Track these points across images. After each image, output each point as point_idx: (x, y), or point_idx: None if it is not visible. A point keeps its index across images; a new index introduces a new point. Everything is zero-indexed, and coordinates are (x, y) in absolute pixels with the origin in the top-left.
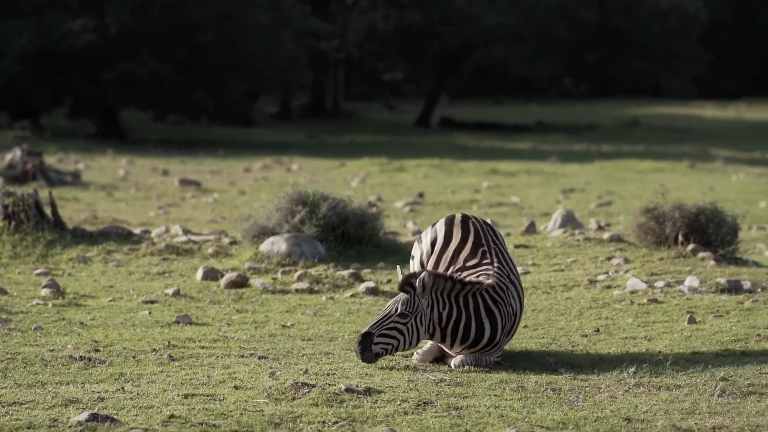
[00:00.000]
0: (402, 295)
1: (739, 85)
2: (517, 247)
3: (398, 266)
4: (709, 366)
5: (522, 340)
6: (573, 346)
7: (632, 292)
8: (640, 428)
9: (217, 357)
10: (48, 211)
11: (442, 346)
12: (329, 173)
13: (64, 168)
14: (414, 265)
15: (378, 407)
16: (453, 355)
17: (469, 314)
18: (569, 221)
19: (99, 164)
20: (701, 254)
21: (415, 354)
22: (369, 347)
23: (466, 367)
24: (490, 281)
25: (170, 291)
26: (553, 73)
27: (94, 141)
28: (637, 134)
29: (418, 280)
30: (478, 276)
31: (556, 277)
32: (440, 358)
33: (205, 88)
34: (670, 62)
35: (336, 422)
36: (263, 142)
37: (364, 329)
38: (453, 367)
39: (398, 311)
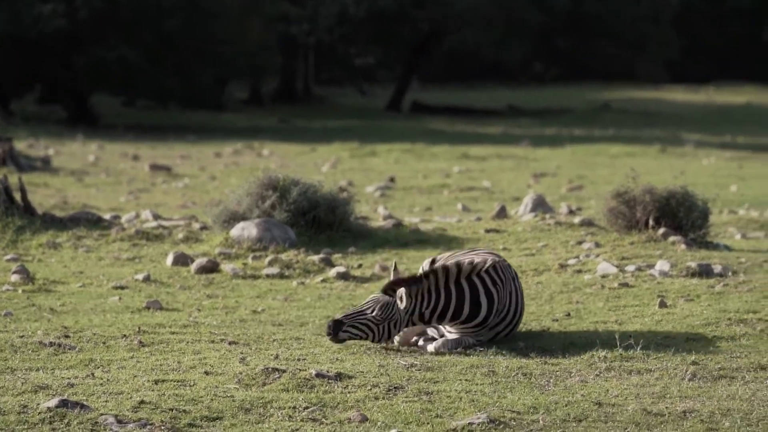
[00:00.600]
0: (383, 297)
1: (710, 69)
2: (487, 231)
3: (394, 261)
4: (680, 350)
5: None
6: (544, 331)
7: (603, 277)
8: (611, 412)
9: (188, 342)
10: (18, 196)
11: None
12: (300, 158)
13: (35, 154)
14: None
15: (349, 392)
16: (434, 336)
17: (465, 297)
18: (540, 205)
19: (69, 150)
20: (672, 238)
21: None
22: (336, 333)
23: (443, 350)
24: (489, 262)
25: (140, 276)
26: (524, 57)
27: (64, 126)
28: (608, 118)
29: (398, 294)
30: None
31: (527, 261)
32: (421, 333)
33: (174, 73)
34: (642, 47)
35: (307, 407)
36: (234, 127)
37: (338, 315)
38: (430, 351)
39: (374, 314)
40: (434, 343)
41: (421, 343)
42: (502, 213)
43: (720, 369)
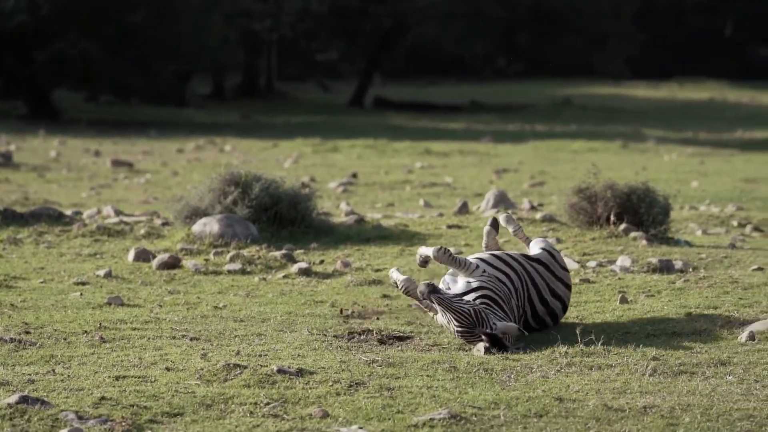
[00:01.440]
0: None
1: (671, 64)
2: (449, 227)
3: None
4: (641, 345)
5: None
6: None
7: None
8: (572, 408)
9: (149, 338)
10: None
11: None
12: (262, 154)
13: None
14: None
15: (310, 388)
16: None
17: None
18: (502, 201)
19: (30, 145)
20: (633, 234)
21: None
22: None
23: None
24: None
25: (102, 272)
26: (486, 53)
27: (25, 122)
28: (570, 114)
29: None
30: None
31: None
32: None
33: (136, 68)
34: (603, 42)
35: (268, 403)
36: (196, 122)
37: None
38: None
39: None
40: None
41: None
42: (464, 209)
43: (680, 364)
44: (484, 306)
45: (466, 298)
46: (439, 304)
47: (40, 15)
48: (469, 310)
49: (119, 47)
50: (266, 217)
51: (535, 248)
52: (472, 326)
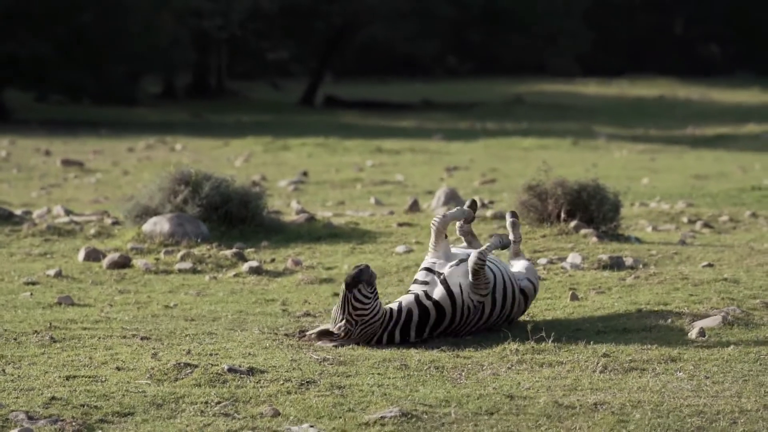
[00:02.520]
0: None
1: (622, 62)
2: (400, 225)
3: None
4: (591, 342)
5: None
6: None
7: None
8: (523, 405)
9: (99, 338)
10: None
11: None
12: (213, 153)
13: None
14: None
15: (261, 387)
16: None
17: None
18: (452, 199)
19: None
20: (583, 231)
21: None
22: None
23: None
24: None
25: (52, 272)
26: (437, 51)
27: None
28: (521, 112)
29: None
30: None
31: None
32: None
33: (86, 67)
34: (554, 40)
35: (219, 402)
36: (147, 121)
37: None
38: None
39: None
40: None
41: None
42: (414, 207)
43: (631, 361)
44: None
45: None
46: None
47: None
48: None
49: (70, 47)
50: (217, 216)
51: (522, 273)
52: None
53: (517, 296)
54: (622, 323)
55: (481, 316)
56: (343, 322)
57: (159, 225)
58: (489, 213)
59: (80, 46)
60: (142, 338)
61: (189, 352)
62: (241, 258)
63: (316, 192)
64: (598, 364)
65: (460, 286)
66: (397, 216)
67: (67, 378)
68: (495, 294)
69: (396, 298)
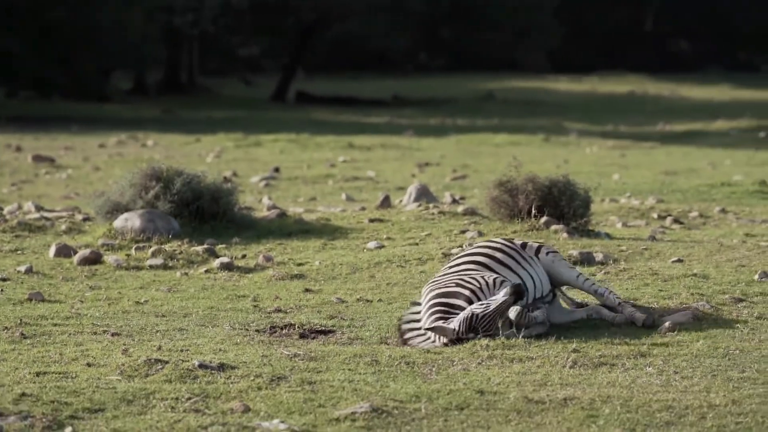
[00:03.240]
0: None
1: (593, 58)
2: (371, 221)
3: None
4: (561, 338)
5: (376, 313)
6: None
7: None
8: (493, 400)
9: (70, 334)
10: None
11: None
12: (184, 149)
13: None
14: None
15: (231, 383)
16: None
17: None
18: (424, 195)
19: None
20: (554, 227)
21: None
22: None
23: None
24: None
25: (23, 268)
26: (408, 47)
27: None
28: (492, 108)
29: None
30: None
31: (410, 250)
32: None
33: (57, 63)
34: (525, 36)
35: (189, 398)
36: (118, 118)
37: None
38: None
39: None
40: None
41: None
42: (386, 202)
43: (601, 356)
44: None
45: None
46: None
47: None
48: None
49: (40, 43)
50: (188, 211)
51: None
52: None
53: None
54: (592, 319)
55: None
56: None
57: (130, 221)
58: (460, 209)
59: (51, 41)
60: (112, 334)
61: (160, 348)
62: (213, 254)
63: (288, 188)
64: (567, 359)
65: None
66: (368, 212)
67: (38, 374)
68: None
69: (367, 294)
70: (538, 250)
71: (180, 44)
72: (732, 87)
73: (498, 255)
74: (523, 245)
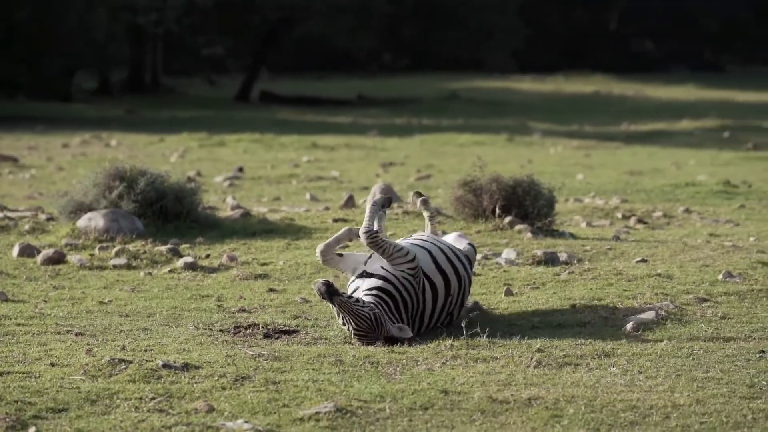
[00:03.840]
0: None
1: (557, 58)
2: (335, 221)
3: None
4: (526, 338)
5: None
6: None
7: None
8: (457, 400)
9: (34, 334)
10: None
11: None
12: (148, 148)
13: None
14: None
15: (196, 383)
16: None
17: None
18: (388, 194)
19: None
20: (518, 227)
21: None
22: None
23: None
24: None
25: None
26: (373, 47)
27: None
28: (456, 108)
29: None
30: None
31: None
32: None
33: (21, 63)
34: (489, 36)
35: (153, 398)
36: (82, 117)
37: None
38: None
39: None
40: None
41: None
42: (350, 202)
43: (565, 356)
44: (380, 308)
45: (366, 296)
46: (339, 306)
47: None
48: (369, 314)
49: (4, 42)
50: (152, 211)
51: (462, 242)
52: (370, 330)
53: (464, 260)
54: (557, 318)
55: (438, 293)
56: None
57: (94, 221)
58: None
59: (15, 41)
60: (76, 334)
61: (123, 348)
62: (176, 254)
63: (252, 188)
64: (532, 359)
65: (383, 268)
66: (332, 212)
67: (1, 374)
68: (441, 265)
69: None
70: None
71: (144, 44)
72: (697, 87)
73: None
74: None
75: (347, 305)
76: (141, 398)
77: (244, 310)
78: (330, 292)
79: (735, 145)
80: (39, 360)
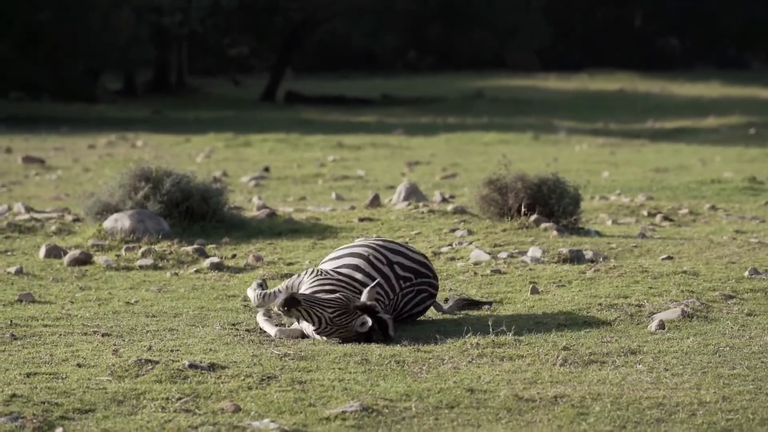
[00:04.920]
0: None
1: (582, 56)
2: (361, 220)
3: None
4: (551, 335)
5: None
6: (417, 319)
7: (476, 264)
8: (483, 398)
9: (60, 335)
10: None
11: None
12: (174, 149)
13: None
14: None
15: (222, 383)
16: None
17: None
18: (413, 194)
19: None
20: (544, 225)
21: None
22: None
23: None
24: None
25: (13, 269)
26: (397, 46)
27: None
28: (481, 106)
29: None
30: None
31: None
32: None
33: (46, 65)
34: (513, 34)
35: (180, 398)
36: (107, 118)
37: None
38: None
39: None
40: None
41: None
42: (375, 201)
43: (591, 354)
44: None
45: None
46: (308, 308)
47: None
48: (339, 296)
49: (29, 45)
50: (178, 212)
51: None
52: (346, 306)
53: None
54: (582, 316)
55: None
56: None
57: (120, 221)
58: (449, 207)
59: (39, 43)
60: (103, 335)
61: (150, 348)
62: (203, 254)
63: (278, 187)
64: (558, 357)
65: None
66: (357, 211)
67: (28, 375)
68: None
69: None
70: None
71: (169, 44)
72: (722, 84)
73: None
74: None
75: (313, 299)
76: (167, 398)
77: (270, 310)
78: (292, 302)
79: (760, 141)
80: (66, 361)
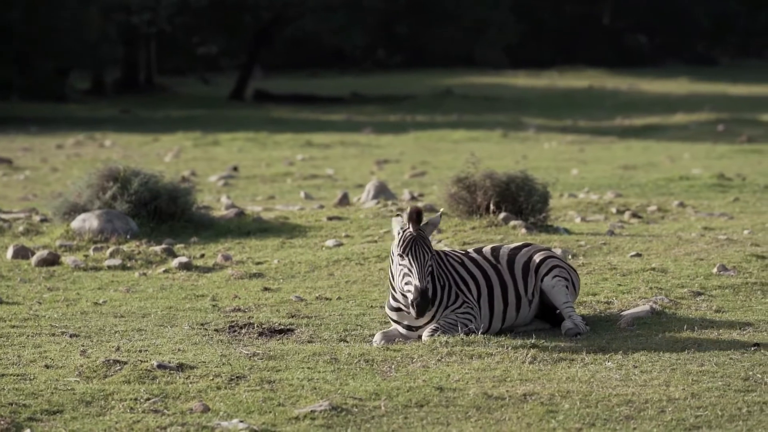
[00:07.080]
0: None
1: (551, 53)
2: (330, 219)
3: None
4: (520, 334)
5: (336, 311)
6: (386, 317)
7: None
8: (452, 397)
9: (28, 336)
10: None
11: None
12: (143, 148)
13: None
14: None
15: (191, 383)
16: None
17: None
18: (382, 192)
19: None
20: (512, 222)
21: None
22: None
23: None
24: None
25: None
26: (366, 44)
27: None
28: (450, 104)
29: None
30: None
31: (369, 248)
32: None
33: (14, 64)
34: (482, 31)
35: (148, 399)
36: (76, 118)
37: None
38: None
39: None
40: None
41: None
42: (344, 200)
43: (560, 352)
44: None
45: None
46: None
47: None
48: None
49: None
50: (146, 211)
51: None
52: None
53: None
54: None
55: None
56: None
57: (88, 222)
58: (419, 205)
59: (7, 42)
60: (71, 336)
61: (118, 348)
62: (171, 254)
63: (246, 187)
64: (527, 355)
65: None
66: (326, 210)
67: None
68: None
69: (326, 292)
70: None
71: (137, 43)
72: (690, 80)
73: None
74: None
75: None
76: (136, 399)
77: (238, 310)
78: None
79: (729, 138)
80: (34, 362)
